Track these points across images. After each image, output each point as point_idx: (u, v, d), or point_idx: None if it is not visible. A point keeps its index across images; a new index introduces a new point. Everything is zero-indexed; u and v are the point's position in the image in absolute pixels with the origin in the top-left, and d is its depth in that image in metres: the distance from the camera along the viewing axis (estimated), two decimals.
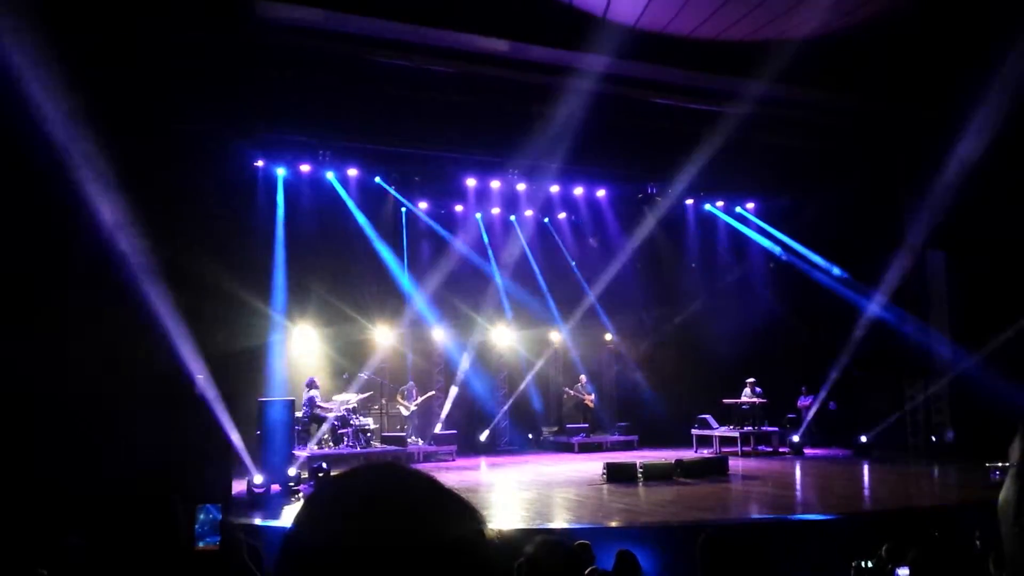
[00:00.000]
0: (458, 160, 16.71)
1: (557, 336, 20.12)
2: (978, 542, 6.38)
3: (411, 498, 0.93)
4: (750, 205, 20.11)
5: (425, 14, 12.03)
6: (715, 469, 13.78)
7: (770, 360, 18.19)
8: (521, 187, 18.05)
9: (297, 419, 14.45)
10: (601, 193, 19.10)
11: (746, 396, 17.38)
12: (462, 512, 0.94)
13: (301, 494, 11.79)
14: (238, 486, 11.76)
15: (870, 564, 5.83)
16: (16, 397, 9.31)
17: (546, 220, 20.04)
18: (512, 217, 19.43)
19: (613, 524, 9.72)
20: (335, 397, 15.83)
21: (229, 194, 13.65)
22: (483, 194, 18.17)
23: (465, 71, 13.59)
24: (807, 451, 17.18)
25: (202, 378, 10.99)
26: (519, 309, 19.46)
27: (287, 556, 0.91)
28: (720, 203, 20.04)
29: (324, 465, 12.22)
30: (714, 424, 17.31)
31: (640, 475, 13.06)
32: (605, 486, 12.66)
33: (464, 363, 18.64)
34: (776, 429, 17.48)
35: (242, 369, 13.46)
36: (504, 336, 19.77)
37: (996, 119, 12.96)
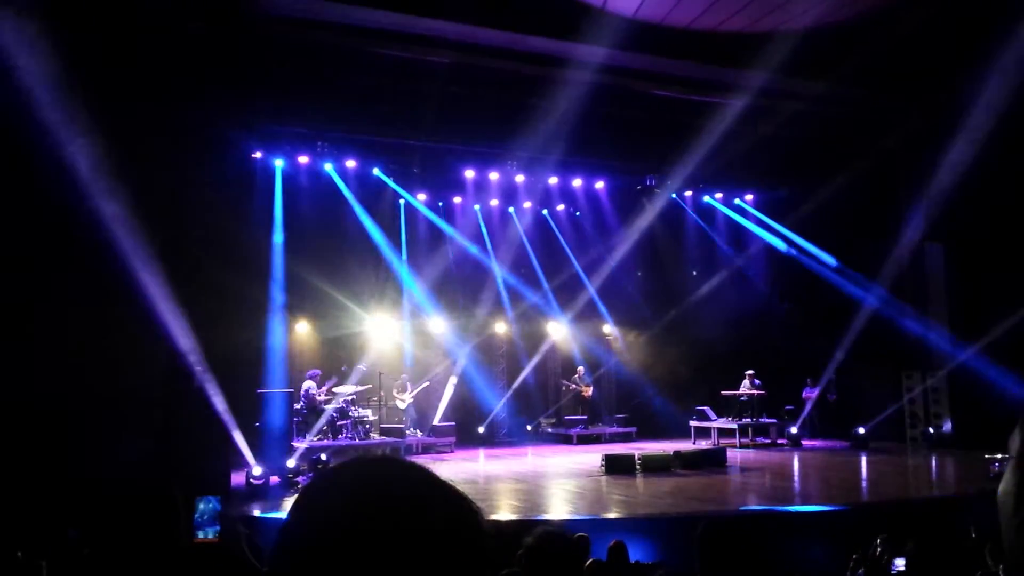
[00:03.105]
0: (456, 152, 16.70)
1: (556, 328, 20.12)
2: (973, 534, 6.40)
3: (406, 489, 0.93)
4: (749, 197, 20.10)
5: (423, 5, 12.00)
6: (713, 461, 13.80)
7: (768, 352, 18.20)
8: (520, 179, 18.02)
9: (296, 411, 14.46)
10: (600, 185, 19.10)
11: (745, 388, 17.40)
12: (457, 503, 0.94)
13: (300, 486, 11.80)
14: (237, 478, 11.77)
15: (867, 555, 5.85)
16: (15, 390, 9.31)
17: (545, 212, 20.03)
18: (511, 209, 19.41)
19: (611, 515, 9.74)
20: (334, 389, 15.82)
21: (227, 186, 13.62)
22: (482, 186, 18.15)
23: (463, 62, 13.55)
24: (805, 443, 17.22)
25: (201, 370, 10.99)
26: (517, 301, 19.46)
27: (283, 546, 0.91)
28: (719, 195, 20.02)
29: (323, 457, 12.22)
30: (712, 416, 17.33)
31: (638, 467, 13.08)
32: (603, 478, 12.68)
33: (462, 355, 18.64)
34: (774, 421, 17.50)
35: (241, 361, 13.45)
36: (502, 328, 19.77)
37: (995, 111, 12.95)
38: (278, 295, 15.67)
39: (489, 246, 19.11)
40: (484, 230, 19.24)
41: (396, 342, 18.33)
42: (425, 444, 16.65)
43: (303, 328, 17.36)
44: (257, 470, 11.59)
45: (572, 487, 11.90)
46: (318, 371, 15.67)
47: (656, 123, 15.88)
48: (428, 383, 17.97)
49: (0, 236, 9.59)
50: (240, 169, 15.20)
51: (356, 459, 1.00)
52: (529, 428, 19.62)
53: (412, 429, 16.97)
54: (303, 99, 14.12)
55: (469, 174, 17.68)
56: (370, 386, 16.77)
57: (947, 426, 16.13)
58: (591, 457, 14.36)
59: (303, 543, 0.89)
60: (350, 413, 15.60)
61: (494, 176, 17.80)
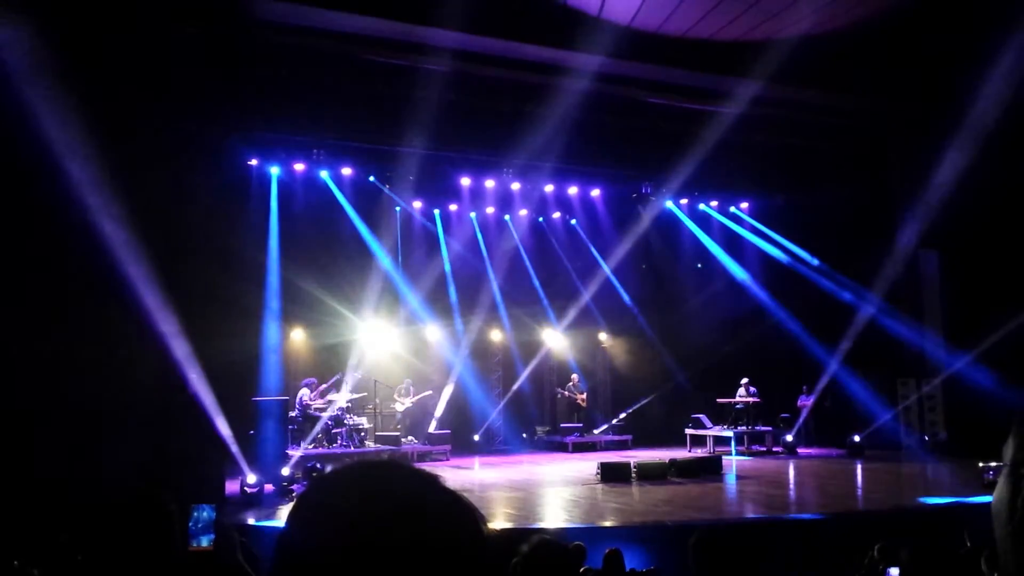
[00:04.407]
0: (452, 159, 16.70)
1: (551, 335, 20.11)
2: (968, 542, 6.40)
3: (406, 495, 0.92)
4: (744, 204, 20.13)
5: (419, 12, 12.02)
6: (709, 469, 13.80)
7: (764, 359, 18.20)
8: (515, 186, 18.04)
9: (291, 418, 14.43)
10: (596, 192, 19.11)
11: (740, 396, 17.40)
12: (461, 511, 0.93)
13: (294, 494, 11.76)
14: (232, 486, 11.74)
15: (862, 564, 5.84)
16: (11, 399, 9.28)
17: (540, 219, 20.04)
18: (506, 216, 19.43)
19: (607, 524, 9.73)
20: (329, 397, 15.79)
21: (223, 193, 13.60)
22: (477, 193, 18.16)
23: (459, 70, 13.57)
24: (801, 451, 17.21)
25: (195, 377, 10.96)
26: (513, 309, 19.46)
27: (282, 556, 0.90)
28: (714, 202, 20.05)
29: (318, 465, 12.19)
30: (708, 424, 17.33)
31: (634, 475, 13.07)
32: (599, 486, 12.66)
33: (458, 363, 18.62)
34: (770, 429, 17.50)
35: (236, 368, 13.41)
36: (498, 335, 19.76)
37: (990, 118, 12.99)
38: (273, 302, 15.65)
39: (485, 254, 19.11)
40: (480, 238, 19.25)
41: (391, 350, 18.31)
42: (421, 452, 16.61)
43: (298, 335, 17.34)
44: (252, 478, 11.56)
45: (568, 495, 11.89)
46: (313, 379, 15.65)
47: (652, 131, 15.91)
48: (430, 392, 17.92)
49: None
50: (236, 176, 15.19)
51: (354, 464, 0.98)
52: (525, 436, 19.60)
53: (409, 437, 16.95)
54: (299, 106, 14.12)
55: (465, 182, 17.69)
56: (365, 394, 16.74)
57: (942, 434, 16.13)
58: (587, 465, 14.34)
59: (302, 551, 0.88)
60: (345, 421, 15.58)
61: (490, 184, 17.81)
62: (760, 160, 16.74)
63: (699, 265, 20.45)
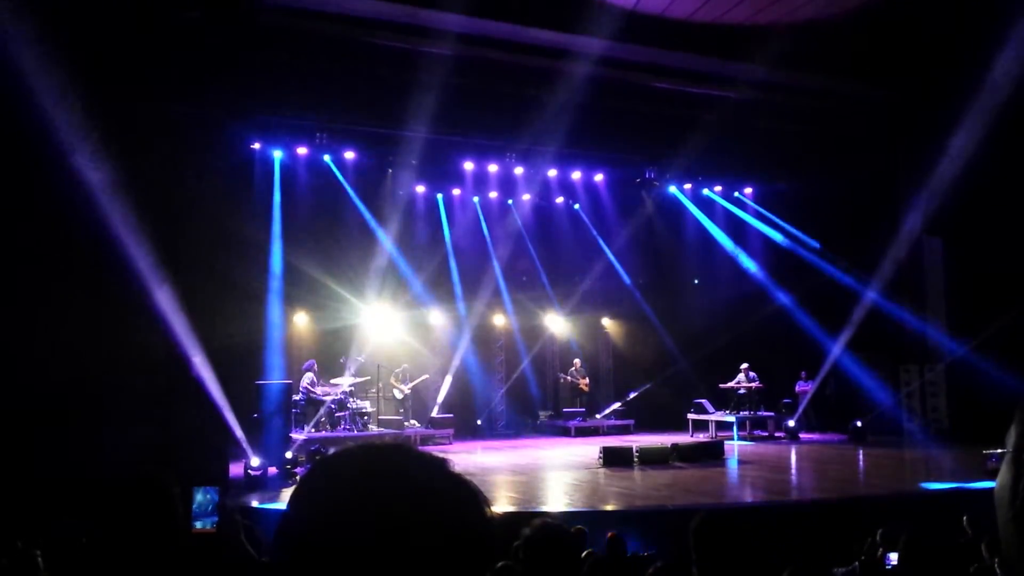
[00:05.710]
0: (456, 143, 16.64)
1: (554, 320, 20.12)
2: (968, 529, 6.42)
3: (408, 477, 0.91)
4: (748, 190, 20.07)
5: None
6: (711, 453, 13.83)
7: (767, 345, 18.19)
8: (519, 171, 17.99)
9: (294, 402, 14.47)
10: (599, 177, 19.06)
11: (740, 381, 17.43)
12: (465, 493, 0.93)
13: (298, 476, 11.80)
14: (235, 469, 11.79)
15: (863, 549, 5.86)
16: (14, 381, 9.31)
17: (544, 204, 20.00)
18: (509, 201, 19.40)
19: (609, 508, 9.76)
20: (332, 380, 15.83)
21: (225, 177, 13.58)
22: (481, 178, 18.12)
23: (463, 53, 13.51)
24: (803, 436, 17.24)
25: (199, 361, 10.99)
26: (516, 293, 19.47)
27: (284, 538, 0.90)
28: (718, 188, 19.99)
29: (321, 448, 12.24)
30: (710, 409, 17.36)
31: (636, 459, 13.11)
32: (601, 470, 12.69)
33: (460, 347, 18.65)
34: (772, 414, 17.53)
35: (239, 352, 13.43)
36: (501, 320, 19.78)
37: (995, 104, 12.93)
38: (276, 286, 15.66)
39: (488, 238, 19.10)
40: (483, 222, 19.23)
41: (394, 334, 18.33)
42: (423, 436, 16.66)
43: (301, 319, 17.36)
44: (255, 461, 11.60)
45: (570, 479, 11.93)
46: (313, 361, 15.66)
47: (656, 116, 15.84)
48: (427, 376, 17.97)
49: None
50: (238, 160, 15.17)
51: (357, 446, 0.97)
52: (528, 420, 19.64)
53: (411, 421, 17.00)
54: (302, 90, 14.07)
55: (468, 166, 17.64)
56: (368, 377, 16.78)
57: (944, 420, 16.14)
58: (589, 449, 14.37)
59: (305, 533, 0.88)
60: (348, 404, 15.62)
61: (493, 168, 17.76)
62: (764, 145, 16.68)
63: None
